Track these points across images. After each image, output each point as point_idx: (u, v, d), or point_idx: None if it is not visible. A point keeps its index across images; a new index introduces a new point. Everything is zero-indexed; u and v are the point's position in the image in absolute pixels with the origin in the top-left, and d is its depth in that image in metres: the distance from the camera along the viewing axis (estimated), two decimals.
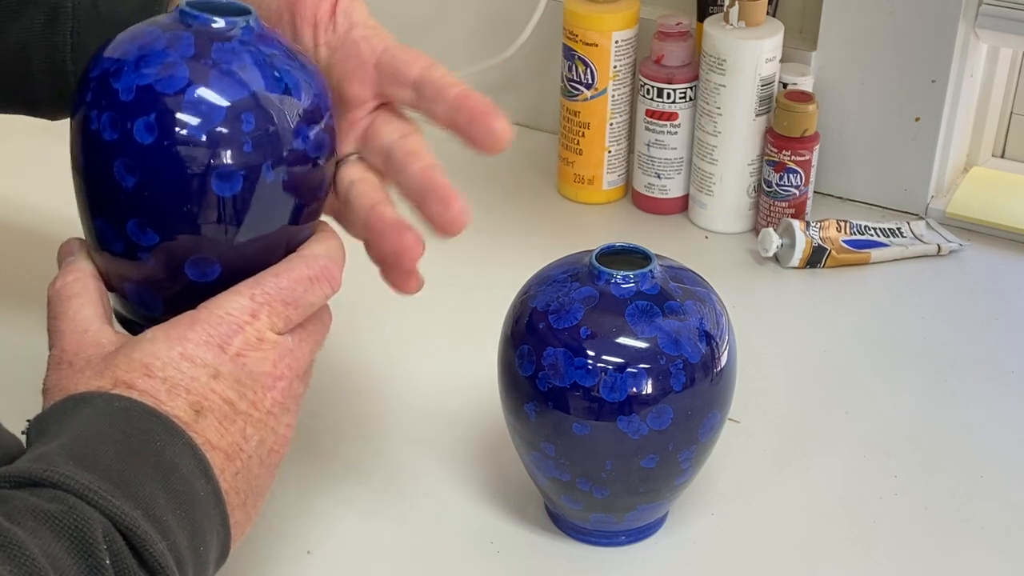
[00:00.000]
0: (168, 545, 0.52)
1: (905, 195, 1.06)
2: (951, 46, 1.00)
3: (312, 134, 0.61)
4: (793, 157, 1.00)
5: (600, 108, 1.05)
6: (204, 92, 0.58)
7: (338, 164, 0.67)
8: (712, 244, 1.04)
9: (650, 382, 0.65)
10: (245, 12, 0.61)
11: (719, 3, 1.02)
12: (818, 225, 1.00)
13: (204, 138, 0.57)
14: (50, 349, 0.60)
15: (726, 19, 0.99)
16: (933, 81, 1.02)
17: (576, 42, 1.03)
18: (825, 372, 0.89)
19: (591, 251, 0.70)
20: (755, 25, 0.99)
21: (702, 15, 1.04)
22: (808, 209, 1.03)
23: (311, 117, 0.61)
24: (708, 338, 0.67)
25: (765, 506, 0.77)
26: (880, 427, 0.83)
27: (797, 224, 0.99)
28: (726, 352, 0.68)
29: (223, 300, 0.59)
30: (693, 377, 0.66)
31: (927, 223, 1.04)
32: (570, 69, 1.05)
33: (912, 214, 1.06)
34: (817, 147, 1.00)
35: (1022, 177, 1.09)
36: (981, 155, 1.11)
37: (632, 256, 0.70)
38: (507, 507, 0.76)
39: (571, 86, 1.05)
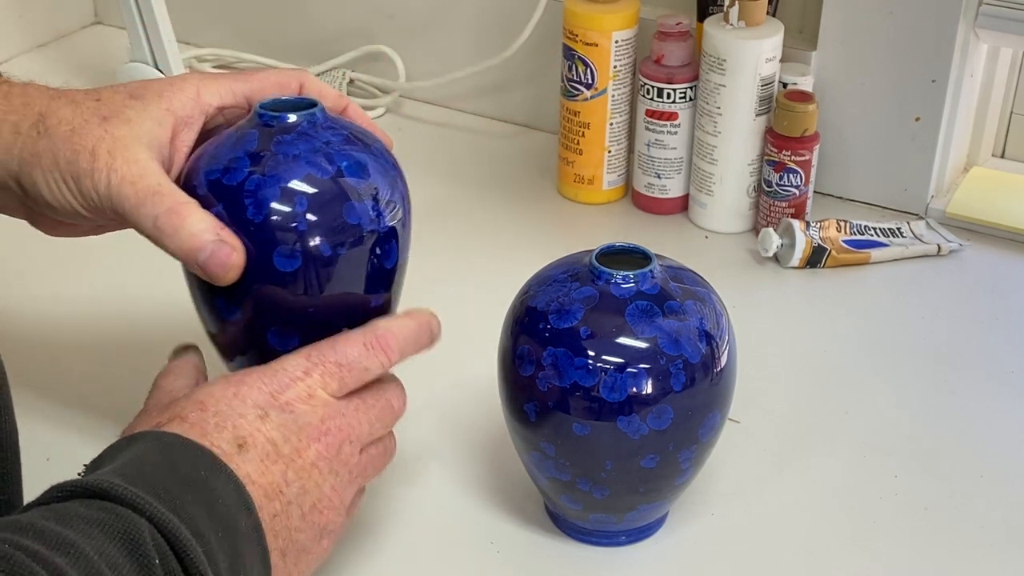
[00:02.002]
0: (210, 561, 0.53)
1: (905, 195, 1.06)
2: (951, 46, 1.00)
3: (368, 209, 0.66)
4: (793, 157, 1.00)
5: (600, 108, 1.05)
6: (262, 181, 0.64)
7: None
8: (712, 244, 1.04)
9: (650, 382, 0.65)
10: (314, 104, 0.68)
11: (719, 3, 1.02)
12: (818, 225, 1.00)
13: (262, 221, 0.64)
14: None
15: (726, 19, 0.99)
16: (933, 81, 1.02)
17: (576, 42, 1.03)
18: (825, 372, 0.89)
19: (591, 251, 0.70)
20: (755, 25, 0.99)
21: (702, 15, 1.04)
22: (808, 209, 1.03)
23: (366, 195, 0.66)
24: (708, 338, 0.67)
25: (765, 506, 0.77)
26: (880, 427, 0.83)
27: (797, 224, 0.99)
28: (726, 352, 0.68)
29: (283, 358, 0.63)
30: (693, 377, 0.66)
31: (927, 223, 1.04)
32: (570, 69, 1.05)
33: (912, 214, 1.06)
34: (817, 147, 1.00)
35: (1022, 177, 1.09)
36: (981, 155, 1.11)
37: (632, 256, 0.70)
38: (507, 507, 0.76)
39: (571, 86, 1.05)
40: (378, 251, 0.67)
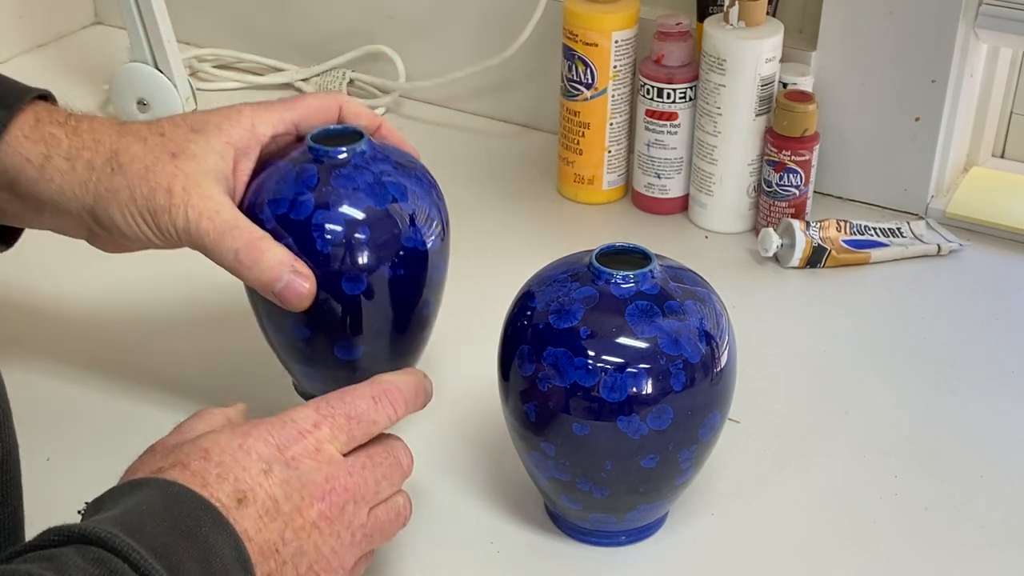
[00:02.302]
0: None
1: (905, 195, 1.06)
2: (951, 46, 1.00)
3: (420, 231, 0.73)
4: (793, 157, 1.00)
5: (600, 108, 1.05)
6: (327, 215, 0.71)
7: None
8: (712, 244, 1.04)
9: (650, 382, 0.65)
10: (358, 134, 0.74)
11: (719, 3, 1.02)
12: (818, 225, 1.00)
13: (330, 251, 0.71)
14: None
15: (726, 19, 0.99)
16: (933, 81, 1.02)
17: (576, 42, 1.03)
18: (825, 372, 0.89)
19: (591, 251, 0.70)
20: (755, 25, 0.99)
21: (702, 15, 1.04)
22: (808, 209, 1.03)
23: (418, 218, 0.74)
24: (708, 338, 0.67)
25: (765, 506, 0.77)
26: (880, 427, 0.83)
27: (797, 224, 0.99)
28: (726, 352, 0.68)
29: (293, 410, 0.63)
30: (693, 377, 0.66)
31: (927, 223, 1.04)
32: (570, 69, 1.05)
33: (912, 214, 1.06)
34: (817, 147, 1.00)
35: (1022, 177, 1.09)
36: (981, 155, 1.11)
37: (632, 256, 0.70)
38: (507, 507, 0.76)
39: (571, 86, 1.05)
40: (429, 266, 0.74)
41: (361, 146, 0.73)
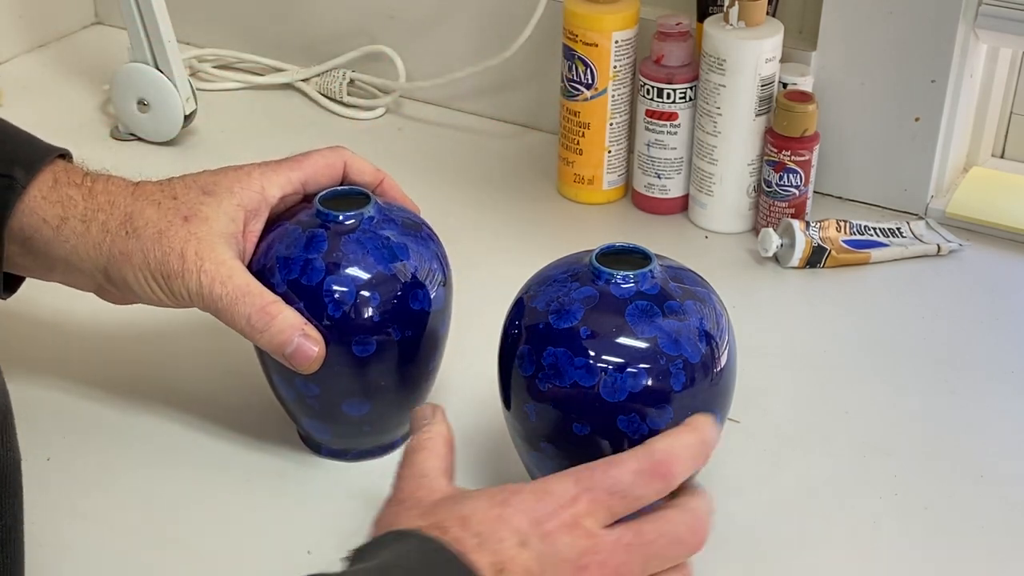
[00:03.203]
0: None
1: (905, 195, 1.06)
2: (951, 46, 1.00)
3: (427, 292, 0.74)
4: (793, 157, 1.00)
5: (600, 108, 1.05)
6: (337, 280, 0.72)
7: None
8: (712, 244, 1.04)
9: (650, 382, 0.65)
10: (364, 196, 0.76)
11: (719, 3, 1.02)
12: (818, 225, 1.00)
13: (341, 316, 0.72)
14: (391, 491, 0.63)
15: (726, 19, 0.99)
16: (933, 81, 1.02)
17: (576, 42, 1.03)
18: (825, 372, 0.89)
19: (591, 251, 0.70)
20: (755, 25, 0.99)
21: (702, 15, 1.04)
22: (808, 209, 1.03)
23: (425, 279, 0.74)
24: (708, 338, 0.67)
25: (765, 506, 0.77)
26: (880, 427, 0.83)
27: (797, 224, 0.99)
28: (726, 352, 0.68)
29: (550, 480, 0.60)
30: (693, 377, 0.66)
31: (927, 223, 1.04)
32: (570, 69, 1.05)
33: (912, 214, 1.06)
34: (817, 147, 1.00)
35: (1022, 177, 1.09)
36: (981, 155, 1.11)
37: (632, 256, 0.70)
38: None
39: (571, 86, 1.05)
40: (436, 323, 0.76)
41: (369, 211, 0.74)
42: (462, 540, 0.57)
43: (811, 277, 0.99)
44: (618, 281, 0.67)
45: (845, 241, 1.00)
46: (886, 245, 1.01)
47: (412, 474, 0.63)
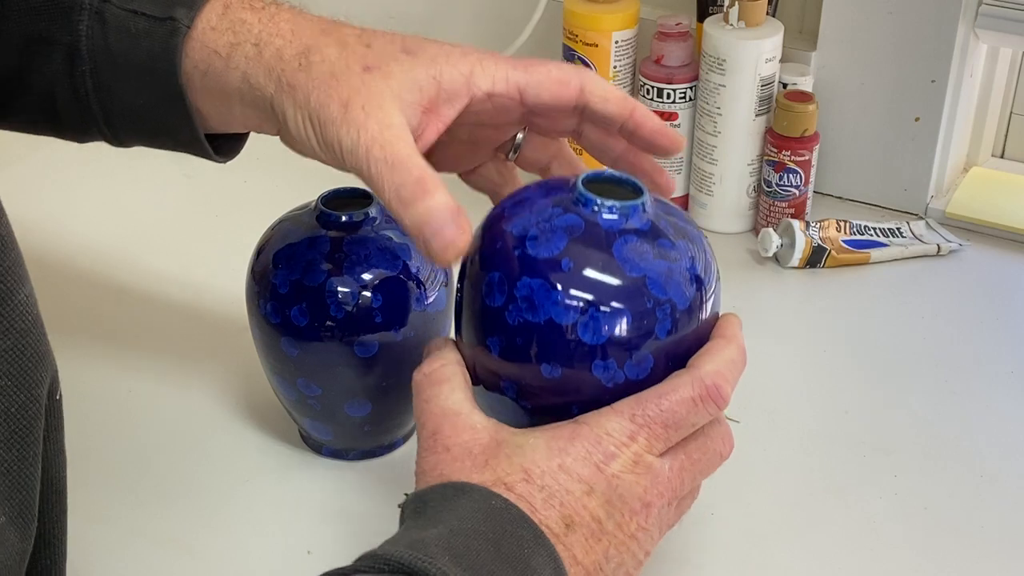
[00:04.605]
0: None
1: (905, 195, 1.06)
2: (951, 46, 1.00)
3: (426, 291, 0.74)
4: (793, 157, 1.00)
5: None
6: (340, 280, 0.72)
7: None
8: (712, 244, 1.03)
9: (633, 325, 0.59)
10: (367, 196, 0.75)
11: (719, 3, 1.02)
12: (818, 225, 1.00)
13: (341, 317, 0.72)
14: (420, 431, 0.61)
15: (726, 19, 0.99)
16: (933, 81, 1.02)
17: (576, 42, 1.03)
18: (825, 372, 0.89)
19: (576, 176, 0.63)
20: (755, 25, 0.99)
21: (702, 15, 1.04)
22: (808, 209, 1.03)
23: (424, 280, 0.74)
24: (698, 283, 0.61)
25: (765, 506, 0.77)
26: (880, 427, 0.83)
27: (797, 224, 0.99)
28: (712, 300, 0.63)
29: (604, 418, 0.59)
30: (678, 324, 0.60)
31: (927, 223, 1.04)
32: None
33: (912, 214, 1.06)
34: (817, 147, 1.00)
35: (1022, 177, 1.09)
36: (981, 155, 1.11)
37: (621, 188, 0.63)
38: None
39: None
40: (437, 324, 0.75)
41: (372, 211, 0.74)
42: (529, 496, 0.57)
43: (811, 277, 0.99)
44: (606, 211, 0.60)
45: (845, 241, 1.00)
46: (886, 245, 1.01)
47: (443, 412, 0.61)
